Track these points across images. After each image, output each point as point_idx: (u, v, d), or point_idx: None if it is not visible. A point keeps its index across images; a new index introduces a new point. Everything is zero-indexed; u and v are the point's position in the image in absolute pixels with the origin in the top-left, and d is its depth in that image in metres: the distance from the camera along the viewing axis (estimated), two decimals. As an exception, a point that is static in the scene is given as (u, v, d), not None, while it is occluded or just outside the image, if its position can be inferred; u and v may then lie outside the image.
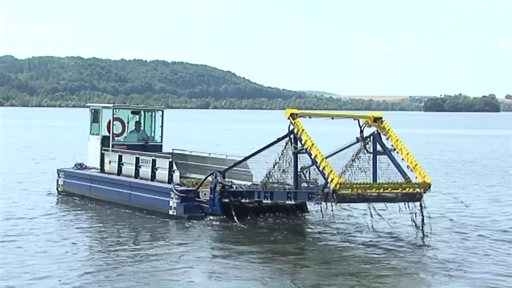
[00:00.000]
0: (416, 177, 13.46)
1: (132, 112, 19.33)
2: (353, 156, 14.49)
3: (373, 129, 14.42)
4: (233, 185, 15.15)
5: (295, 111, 13.37)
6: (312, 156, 12.61)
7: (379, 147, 14.10)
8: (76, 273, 10.91)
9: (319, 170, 12.55)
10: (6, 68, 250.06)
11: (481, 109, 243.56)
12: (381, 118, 14.23)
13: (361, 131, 14.25)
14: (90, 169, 19.07)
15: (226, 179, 15.62)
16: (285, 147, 14.01)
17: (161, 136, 19.34)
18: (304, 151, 12.97)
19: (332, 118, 14.45)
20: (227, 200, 15.25)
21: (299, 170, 13.56)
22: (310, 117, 14.14)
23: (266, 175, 14.50)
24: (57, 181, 19.42)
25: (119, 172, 17.98)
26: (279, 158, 14.18)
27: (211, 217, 15.43)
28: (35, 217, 15.87)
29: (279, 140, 14.29)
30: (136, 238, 14.02)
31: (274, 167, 14.15)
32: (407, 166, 13.77)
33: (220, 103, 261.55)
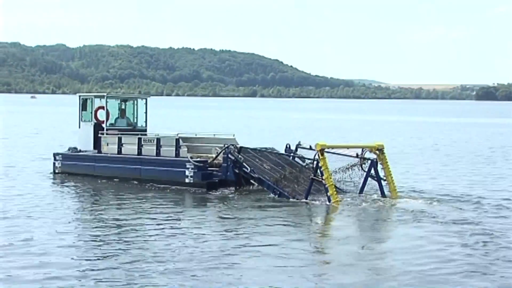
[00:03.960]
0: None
1: (121, 100, 21.01)
2: (348, 165, 16.77)
3: (373, 156, 16.95)
4: (247, 166, 16.74)
5: (325, 146, 15.83)
6: (326, 186, 15.26)
7: (372, 172, 16.42)
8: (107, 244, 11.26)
9: (326, 191, 15.29)
10: (58, 56, 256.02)
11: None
12: (382, 149, 16.68)
13: (362, 152, 16.72)
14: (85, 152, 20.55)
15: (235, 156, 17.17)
16: (305, 170, 17.02)
17: (146, 122, 21.06)
18: (321, 181, 15.47)
19: (347, 148, 17.05)
20: (237, 171, 16.95)
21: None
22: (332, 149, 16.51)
23: (281, 175, 16.59)
24: (54, 164, 20.70)
25: (119, 153, 19.56)
26: (298, 171, 17.12)
27: (225, 191, 17.05)
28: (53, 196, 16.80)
29: (300, 158, 17.85)
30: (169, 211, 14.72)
31: (290, 174, 16.89)
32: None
33: (268, 91, 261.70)
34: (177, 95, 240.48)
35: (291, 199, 15.93)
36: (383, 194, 16.21)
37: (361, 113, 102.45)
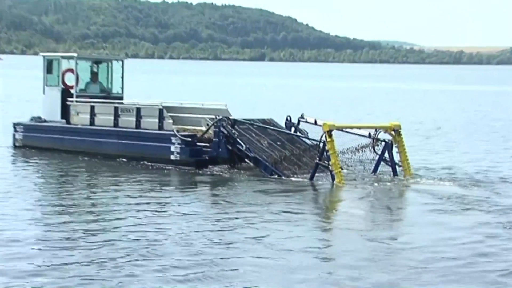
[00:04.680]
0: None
1: (94, 62, 21.08)
2: (358, 146, 17.25)
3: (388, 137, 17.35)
4: (242, 143, 17.16)
5: (333, 126, 16.24)
6: (332, 172, 15.81)
7: (386, 156, 16.93)
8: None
9: (332, 178, 15.87)
10: (29, 9, 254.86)
11: None
12: (399, 130, 17.04)
13: (376, 132, 17.18)
14: (49, 122, 20.68)
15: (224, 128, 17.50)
16: (309, 149, 17.49)
17: (122, 88, 21.22)
18: (327, 166, 15.93)
19: (359, 129, 17.60)
20: (231, 148, 17.24)
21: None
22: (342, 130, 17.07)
23: (281, 155, 16.99)
24: (14, 135, 20.81)
25: (91, 124, 19.78)
26: (301, 150, 17.55)
27: (217, 169, 17.53)
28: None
29: (302, 134, 18.17)
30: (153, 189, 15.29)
31: (291, 154, 17.34)
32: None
33: (278, 54, 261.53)
34: (171, 58, 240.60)
35: (292, 178, 16.44)
36: (395, 174, 16.89)
37: (390, 80, 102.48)
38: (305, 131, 18.55)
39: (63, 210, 12.76)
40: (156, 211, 12.83)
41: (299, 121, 18.95)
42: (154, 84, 68.39)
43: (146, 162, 18.26)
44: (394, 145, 17.14)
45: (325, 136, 16.08)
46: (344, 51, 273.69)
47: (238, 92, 60.13)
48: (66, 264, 9.29)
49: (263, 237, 10.93)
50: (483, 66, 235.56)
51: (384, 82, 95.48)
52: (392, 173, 16.84)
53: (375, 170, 17.01)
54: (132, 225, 11.54)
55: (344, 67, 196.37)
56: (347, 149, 17.42)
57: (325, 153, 16.12)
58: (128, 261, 9.42)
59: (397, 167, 16.97)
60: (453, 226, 12.05)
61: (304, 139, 18.25)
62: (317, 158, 16.34)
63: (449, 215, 12.94)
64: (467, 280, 9.05)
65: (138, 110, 19.06)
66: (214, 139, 17.58)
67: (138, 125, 18.91)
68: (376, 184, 15.92)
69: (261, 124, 18.27)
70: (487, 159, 21.32)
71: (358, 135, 17.45)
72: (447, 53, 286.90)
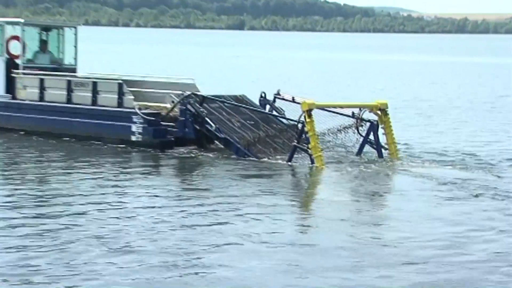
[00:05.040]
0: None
1: (43, 29, 21.03)
2: (340, 126, 17.56)
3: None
4: (211, 123, 17.33)
5: (313, 105, 16.36)
6: (312, 157, 16.07)
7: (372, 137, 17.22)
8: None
9: (312, 162, 16.12)
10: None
11: None
12: (386, 109, 17.19)
13: (360, 111, 17.40)
14: None
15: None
16: (286, 130, 17.77)
17: (75, 59, 21.25)
18: (306, 150, 16.19)
19: (342, 108, 17.76)
20: (199, 128, 17.41)
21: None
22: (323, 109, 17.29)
23: (255, 137, 17.25)
24: None
25: (41, 99, 19.77)
26: (277, 131, 17.85)
27: (183, 151, 17.78)
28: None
29: (283, 117, 18.27)
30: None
31: (266, 135, 17.59)
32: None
33: (259, 22, 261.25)
34: (138, 25, 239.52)
35: (267, 161, 16.66)
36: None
37: (385, 51, 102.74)
38: (282, 109, 18.70)
39: (5, 200, 12.58)
40: (117, 199, 12.88)
41: (275, 98, 19.10)
42: (116, 56, 68.46)
43: (103, 144, 18.40)
44: (380, 126, 17.37)
45: (304, 116, 16.25)
46: (334, 18, 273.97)
47: (209, 65, 60.40)
48: (20, 258, 9.34)
49: (235, 227, 11.09)
50: (490, 35, 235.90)
51: (378, 53, 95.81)
52: (377, 157, 17.20)
53: (359, 152, 17.27)
54: (89, 217, 11.50)
55: (334, 37, 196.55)
56: (328, 130, 17.67)
57: (304, 134, 16.30)
58: (87, 258, 9.42)
59: (383, 150, 17.29)
60: (439, 215, 12.29)
61: (280, 118, 18.42)
62: (295, 140, 16.53)
63: (437, 203, 13.19)
64: (458, 276, 9.21)
65: (95, 84, 19.04)
66: (180, 118, 17.73)
67: (94, 102, 18.94)
68: (359, 168, 16.14)
69: (233, 102, 18.40)
70: (491, 139, 21.71)
71: (341, 114, 17.66)
72: (449, 21, 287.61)
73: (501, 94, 39.26)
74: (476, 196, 13.54)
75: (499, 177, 15.42)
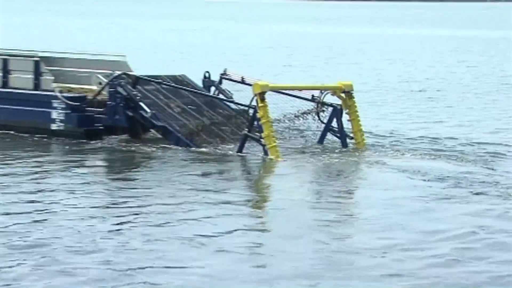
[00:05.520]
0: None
1: None
2: (298, 112, 17.87)
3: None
4: (146, 109, 17.28)
5: (267, 87, 16.44)
6: (266, 147, 16.10)
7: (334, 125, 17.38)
8: None
9: (266, 153, 16.20)
10: None
11: None
12: (351, 92, 17.30)
13: (321, 94, 17.58)
14: None
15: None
16: (235, 116, 17.85)
17: None
18: (258, 139, 16.28)
19: (300, 90, 17.96)
20: (131, 114, 17.28)
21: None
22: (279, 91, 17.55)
23: (199, 124, 17.34)
24: None
25: None
26: (224, 118, 17.93)
27: (114, 140, 17.77)
28: None
29: (231, 101, 18.40)
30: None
31: (211, 122, 17.71)
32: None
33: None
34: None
35: (212, 152, 16.71)
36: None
37: (360, 24, 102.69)
38: (230, 92, 18.79)
39: None
40: (32, 201, 12.61)
41: (221, 78, 19.16)
42: (33, 28, 67.85)
43: (16, 134, 18.14)
44: (344, 111, 17.48)
45: (256, 100, 16.31)
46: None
47: (143, 39, 60.32)
48: None
49: (177, 231, 11.05)
50: (486, 3, 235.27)
51: (361, 25, 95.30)
52: (341, 146, 17.38)
53: (320, 142, 17.47)
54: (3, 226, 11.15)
55: (300, 5, 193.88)
56: (285, 116, 17.89)
57: (256, 121, 16.37)
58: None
59: (348, 139, 17.51)
60: (405, 211, 12.54)
61: (228, 103, 18.53)
62: (246, 128, 16.60)
63: (411, 199, 13.30)
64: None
65: (5, 62, 18.75)
66: (109, 103, 17.56)
67: (5, 83, 18.70)
68: (321, 160, 16.29)
69: (171, 83, 18.38)
70: (479, 126, 22.06)
71: (299, 98, 17.80)
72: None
73: (504, 73, 39.62)
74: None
75: (471, 172, 15.45)
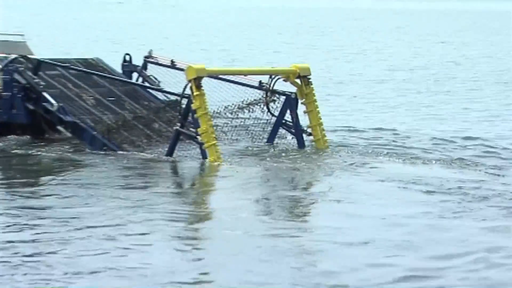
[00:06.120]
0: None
1: None
2: (242, 103, 16.58)
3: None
4: (52, 101, 15.86)
5: (202, 71, 15.13)
6: (203, 147, 14.88)
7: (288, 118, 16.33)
8: None
9: (203, 155, 14.92)
10: None
11: None
12: (308, 77, 16.09)
13: (270, 80, 16.24)
14: None
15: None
16: (164, 109, 16.59)
17: None
18: (194, 136, 15.04)
19: (245, 75, 16.77)
20: (33, 108, 16.17)
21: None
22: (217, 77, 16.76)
23: (119, 120, 16.17)
24: None
25: None
26: (150, 111, 16.63)
27: (12, 140, 16.52)
28: None
29: (158, 89, 16.90)
30: None
31: (134, 116, 16.40)
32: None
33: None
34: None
35: (139, 154, 15.53)
36: (301, 147, 16.33)
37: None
38: (156, 79, 17.52)
39: None
40: None
41: (145, 63, 17.75)
42: None
43: None
44: (300, 101, 16.20)
45: (191, 88, 14.98)
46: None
47: (49, 18, 59.64)
48: None
49: (90, 263, 9.70)
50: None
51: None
52: (297, 145, 16.20)
53: (270, 140, 16.38)
54: None
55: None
56: (226, 108, 16.77)
57: (190, 114, 15.19)
58: None
59: (305, 136, 16.36)
60: (366, 217, 11.78)
61: (155, 92, 17.40)
62: (178, 123, 15.38)
63: (384, 211, 12.20)
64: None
65: None
66: (4, 94, 16.33)
67: None
68: (271, 163, 15.10)
69: (82, 69, 17.18)
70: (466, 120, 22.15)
71: (244, 85, 16.60)
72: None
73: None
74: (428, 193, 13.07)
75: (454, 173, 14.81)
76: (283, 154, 15.72)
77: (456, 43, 47.09)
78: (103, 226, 11.44)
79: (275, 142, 16.41)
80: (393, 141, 18.01)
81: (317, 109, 16.24)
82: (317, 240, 10.93)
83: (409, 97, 26.68)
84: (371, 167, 15.12)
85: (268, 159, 15.47)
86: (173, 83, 17.06)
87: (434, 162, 15.98)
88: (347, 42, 45.12)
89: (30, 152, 16.07)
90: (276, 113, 16.40)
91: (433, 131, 19.54)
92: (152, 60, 17.69)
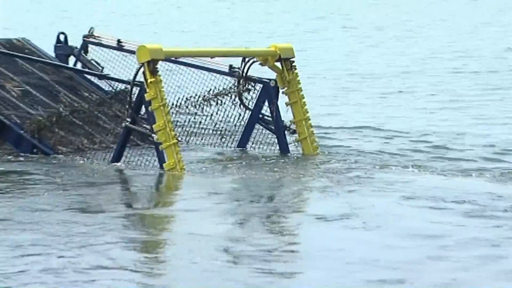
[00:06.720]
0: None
1: None
2: (210, 93, 15.29)
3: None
4: None
5: (158, 52, 13.53)
6: (160, 147, 13.61)
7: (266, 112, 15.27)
8: None
9: (160, 157, 13.52)
10: None
11: None
12: (291, 60, 14.65)
13: (245, 63, 14.69)
14: None
15: None
16: (109, 101, 15.44)
17: None
18: (148, 135, 13.75)
19: (212, 57, 15.27)
20: None
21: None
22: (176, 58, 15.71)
23: (51, 117, 14.75)
24: None
25: None
26: (92, 104, 15.38)
27: None
28: None
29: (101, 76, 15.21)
30: None
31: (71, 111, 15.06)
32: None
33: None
34: None
35: (76, 158, 14.33)
36: (284, 151, 15.06)
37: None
38: (98, 64, 16.13)
39: None
40: None
41: (85, 43, 16.28)
42: None
43: None
44: (281, 90, 14.66)
45: (144, 73, 13.47)
46: None
47: None
48: None
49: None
50: None
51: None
52: (278, 146, 14.89)
53: (243, 139, 14.94)
54: None
55: None
56: (188, 100, 15.37)
57: (143, 107, 13.86)
58: None
59: (287, 133, 15.03)
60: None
61: (97, 80, 15.87)
62: (127, 119, 13.97)
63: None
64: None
65: None
66: None
67: None
68: (245, 172, 13.84)
69: (5, 51, 15.75)
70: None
71: (210, 71, 15.14)
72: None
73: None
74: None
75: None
76: (260, 160, 14.63)
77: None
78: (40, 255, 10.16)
79: (250, 142, 15.28)
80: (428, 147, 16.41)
81: (303, 100, 14.78)
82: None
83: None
84: (384, 182, 13.54)
85: (240, 166, 14.22)
86: (120, 68, 15.89)
87: (482, 175, 14.05)
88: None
89: None
90: (251, 106, 15.08)
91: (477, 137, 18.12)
92: (93, 40, 16.34)
